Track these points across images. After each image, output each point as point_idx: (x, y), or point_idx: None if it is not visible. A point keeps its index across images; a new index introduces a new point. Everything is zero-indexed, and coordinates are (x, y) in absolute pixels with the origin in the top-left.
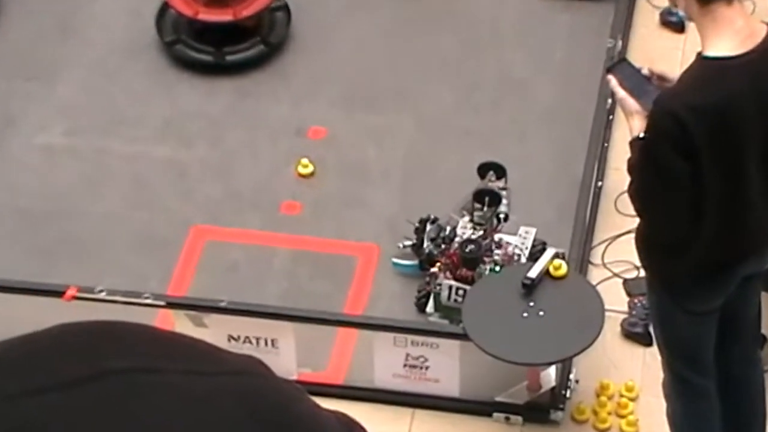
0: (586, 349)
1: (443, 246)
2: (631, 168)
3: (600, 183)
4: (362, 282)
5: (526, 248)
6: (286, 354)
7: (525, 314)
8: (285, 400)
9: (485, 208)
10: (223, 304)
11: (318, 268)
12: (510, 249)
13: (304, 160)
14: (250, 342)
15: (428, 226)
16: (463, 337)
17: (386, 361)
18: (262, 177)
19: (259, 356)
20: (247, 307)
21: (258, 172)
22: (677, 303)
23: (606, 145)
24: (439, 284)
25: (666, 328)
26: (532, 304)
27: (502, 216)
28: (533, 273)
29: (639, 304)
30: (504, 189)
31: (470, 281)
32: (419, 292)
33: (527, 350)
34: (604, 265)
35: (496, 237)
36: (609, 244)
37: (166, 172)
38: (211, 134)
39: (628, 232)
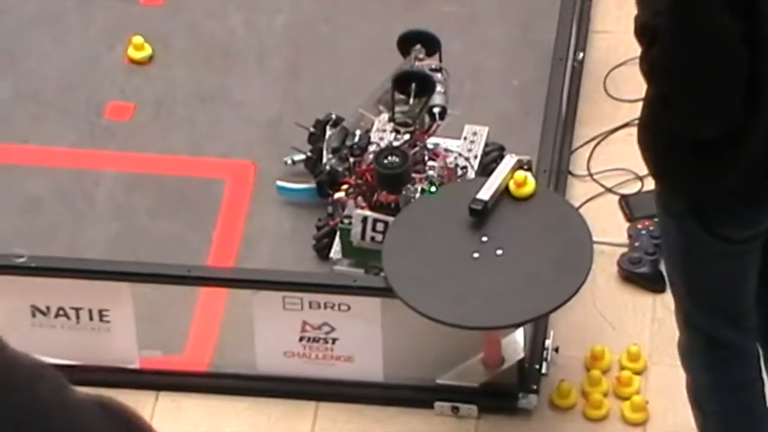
0: (567, 301)
1: (352, 159)
2: (646, 28)
3: (581, 54)
4: (232, 218)
5: (475, 157)
6: (121, 331)
7: (475, 254)
8: (18, 380)
9: (411, 100)
10: (21, 261)
11: (164, 200)
12: (450, 159)
13: (137, 38)
14: (65, 315)
15: (328, 131)
16: (385, 292)
17: (273, 333)
18: (73, 65)
19: (84, 335)
20: (58, 263)
21: (66, 57)
22: (706, 226)
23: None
24: (348, 216)
25: (688, 265)
26: (485, 239)
27: (436, 111)
28: (486, 193)
29: (644, 232)
30: (438, 70)
31: (393, 209)
32: (318, 229)
33: (481, 308)
34: (591, 176)
35: (430, 142)
36: (597, 144)
37: None
38: None
39: (626, 125)
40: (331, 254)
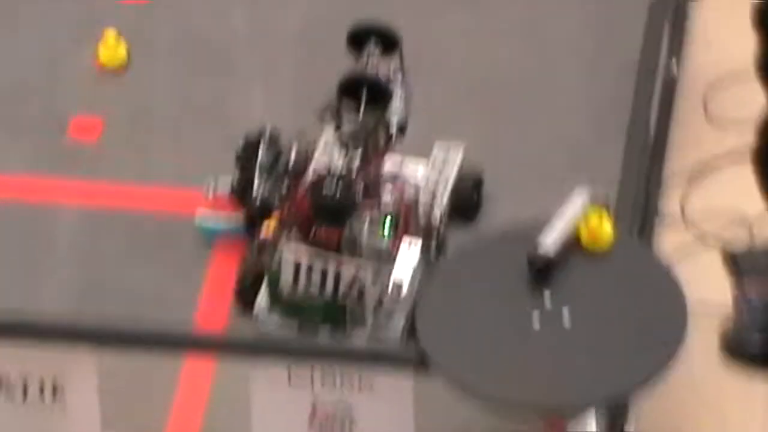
0: (653, 380)
1: (287, 184)
2: None
3: (675, 66)
4: (226, 265)
5: (445, 185)
6: (81, 409)
7: (536, 318)
8: None
9: (362, 111)
10: None
11: (140, 242)
12: (410, 192)
13: (110, 33)
14: (8, 389)
15: (261, 149)
16: (419, 364)
17: (275, 416)
18: (28, 68)
19: (32, 414)
20: (2, 319)
21: (20, 58)
22: None
23: None
24: (278, 256)
25: None
26: (548, 299)
27: (394, 124)
28: (550, 239)
29: (756, 302)
30: (399, 74)
31: (336, 248)
32: (242, 272)
33: (542, 385)
34: (686, 220)
35: (388, 163)
36: (694, 179)
37: None
38: None
39: (732, 153)
40: (257, 304)
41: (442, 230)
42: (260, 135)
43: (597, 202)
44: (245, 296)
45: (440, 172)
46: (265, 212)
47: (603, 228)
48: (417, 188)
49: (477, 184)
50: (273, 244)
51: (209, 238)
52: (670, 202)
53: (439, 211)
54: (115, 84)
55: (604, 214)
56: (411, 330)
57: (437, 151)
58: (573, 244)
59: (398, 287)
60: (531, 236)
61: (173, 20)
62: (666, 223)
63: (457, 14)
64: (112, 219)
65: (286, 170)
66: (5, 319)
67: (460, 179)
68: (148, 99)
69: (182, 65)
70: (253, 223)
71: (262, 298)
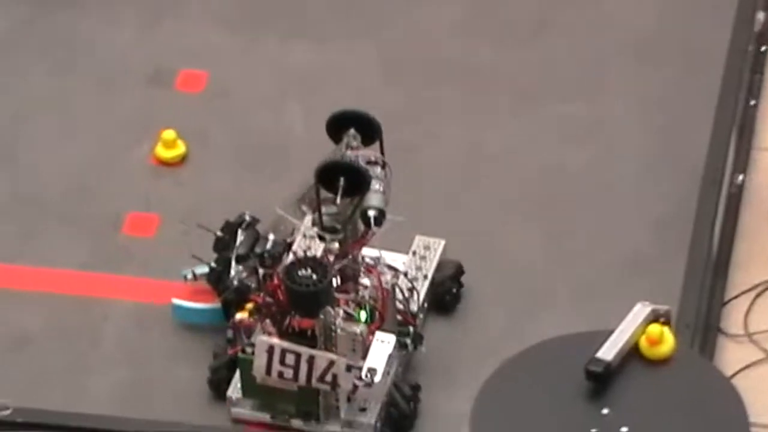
0: None
1: (261, 271)
2: None
3: (741, 177)
4: None
5: (425, 277)
6: None
7: None
8: None
9: (338, 199)
10: (4, 414)
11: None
12: (387, 278)
13: (168, 133)
14: None
15: (239, 236)
16: None
17: None
18: (85, 163)
19: None
20: (51, 418)
21: (77, 152)
22: None
23: (753, 104)
24: (251, 344)
25: None
26: (606, 411)
27: (371, 214)
28: (609, 351)
29: None
30: (378, 164)
31: (309, 338)
32: (215, 358)
33: None
34: (749, 336)
35: (368, 254)
36: (758, 295)
37: None
38: None
39: None
40: (229, 392)
41: (420, 320)
42: (239, 221)
43: (658, 315)
44: (218, 381)
45: (421, 259)
46: (240, 298)
47: (663, 342)
48: (397, 277)
49: (456, 276)
50: (248, 331)
51: (185, 319)
52: (732, 316)
53: (416, 299)
54: (172, 180)
55: (665, 328)
56: (385, 421)
57: (418, 244)
58: (632, 358)
59: (372, 375)
60: (591, 344)
61: (231, 113)
62: (728, 338)
63: (522, 118)
64: (162, 315)
65: (260, 256)
66: (55, 419)
67: (440, 269)
68: (205, 196)
69: (240, 162)
70: (229, 310)
71: (235, 384)
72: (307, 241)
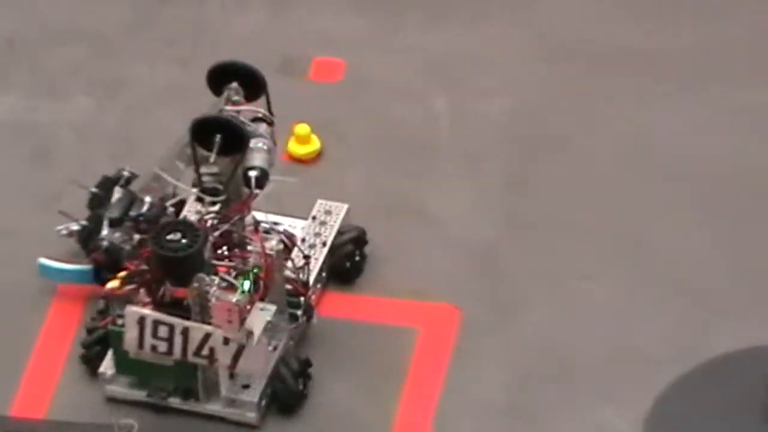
0: None
1: (137, 236)
2: None
3: None
4: (426, 379)
5: (323, 244)
6: None
7: None
8: None
9: (213, 157)
10: None
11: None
12: (272, 243)
13: (302, 128)
14: None
15: (116, 193)
16: None
17: None
18: None
19: None
20: None
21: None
22: None
23: None
24: (121, 315)
25: None
26: None
27: (252, 175)
28: None
29: None
30: (263, 120)
31: (185, 308)
32: (88, 332)
33: None
34: None
35: (251, 219)
36: None
37: None
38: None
39: None
40: (101, 369)
41: (317, 290)
42: (117, 177)
43: None
44: (92, 357)
45: (321, 225)
46: (113, 261)
47: None
48: (290, 244)
49: (363, 236)
50: (125, 301)
51: (55, 279)
52: None
53: (314, 267)
54: (309, 177)
55: None
56: (271, 399)
57: (318, 208)
58: None
59: (249, 338)
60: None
61: (370, 105)
62: None
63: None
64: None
65: (135, 219)
66: None
67: (341, 236)
68: (341, 194)
69: (380, 158)
70: (101, 274)
71: (108, 359)
72: (198, 205)
